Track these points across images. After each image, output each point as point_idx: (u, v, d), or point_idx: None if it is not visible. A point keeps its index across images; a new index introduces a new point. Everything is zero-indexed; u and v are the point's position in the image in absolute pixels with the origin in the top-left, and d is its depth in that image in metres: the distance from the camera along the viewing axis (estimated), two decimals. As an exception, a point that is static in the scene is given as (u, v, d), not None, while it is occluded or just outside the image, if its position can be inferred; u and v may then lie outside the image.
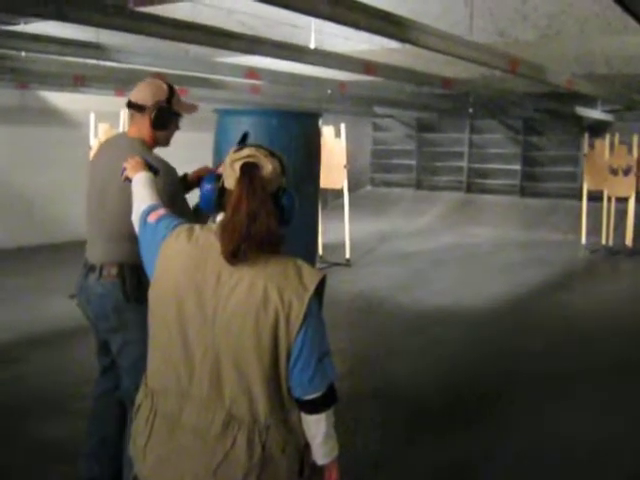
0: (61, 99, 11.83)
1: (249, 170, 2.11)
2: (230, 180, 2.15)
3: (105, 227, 3.26)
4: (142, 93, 3.30)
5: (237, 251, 2.05)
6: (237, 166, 2.13)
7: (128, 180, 2.71)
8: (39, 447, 4.29)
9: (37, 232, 11.33)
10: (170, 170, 3.19)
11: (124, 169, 2.79)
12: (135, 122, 3.34)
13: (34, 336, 6.53)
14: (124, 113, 8.26)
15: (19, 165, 11.11)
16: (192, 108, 3.51)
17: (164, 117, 3.32)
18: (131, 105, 3.32)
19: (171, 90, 3.36)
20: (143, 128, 3.30)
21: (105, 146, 3.49)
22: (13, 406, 4.91)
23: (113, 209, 3.16)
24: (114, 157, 3.12)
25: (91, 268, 3.32)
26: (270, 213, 2.09)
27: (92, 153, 8.50)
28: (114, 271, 3.24)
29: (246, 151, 2.16)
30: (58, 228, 11.49)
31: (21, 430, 4.51)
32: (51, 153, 11.43)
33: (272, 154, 2.18)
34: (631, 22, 4.66)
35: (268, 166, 2.13)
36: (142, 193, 2.54)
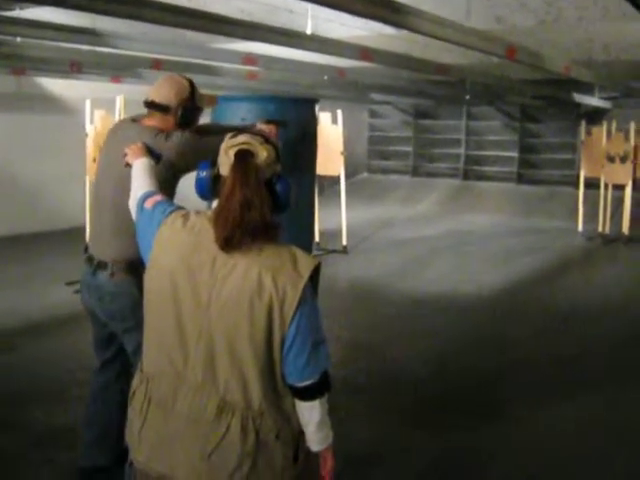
0: (57, 85, 11.77)
1: (243, 157, 2.10)
2: (225, 167, 2.15)
3: (118, 222, 3.16)
4: (165, 92, 3.26)
5: (231, 239, 2.06)
6: (231, 153, 2.13)
7: (129, 165, 2.72)
8: (38, 434, 4.30)
9: (34, 219, 11.31)
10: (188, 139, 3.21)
11: (125, 154, 2.80)
12: (154, 118, 3.29)
13: (33, 323, 6.54)
14: (120, 100, 8.23)
15: (15, 152, 11.07)
16: (213, 100, 3.49)
17: (189, 115, 3.31)
18: (154, 105, 3.27)
19: (192, 86, 3.34)
20: (165, 125, 3.26)
21: (118, 136, 3.34)
22: (12, 393, 4.92)
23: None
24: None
25: (100, 265, 3.26)
26: (264, 201, 2.09)
27: (89, 140, 8.50)
28: (126, 268, 3.19)
29: (241, 138, 2.16)
30: (55, 215, 11.47)
31: (20, 417, 4.53)
32: (47, 139, 11.38)
33: (267, 141, 2.18)
34: (629, 9, 4.66)
35: (263, 153, 2.13)
36: (140, 179, 2.55)
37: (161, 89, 3.29)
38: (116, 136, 3.36)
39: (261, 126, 3.53)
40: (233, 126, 3.48)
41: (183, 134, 3.22)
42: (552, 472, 4.08)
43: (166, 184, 2.94)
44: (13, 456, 4.04)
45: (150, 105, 3.29)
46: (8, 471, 3.91)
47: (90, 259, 3.34)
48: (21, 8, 5.82)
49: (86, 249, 3.44)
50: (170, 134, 3.19)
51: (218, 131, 3.39)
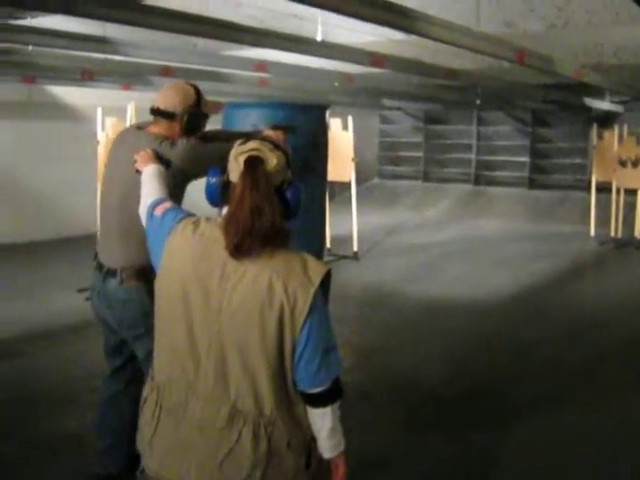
0: (68, 93, 11.83)
1: (253, 164, 2.10)
2: (234, 174, 2.14)
3: (125, 228, 3.17)
4: (170, 99, 3.26)
5: (241, 245, 2.05)
6: (241, 160, 2.12)
7: (138, 172, 2.72)
8: (49, 441, 4.31)
9: (46, 227, 11.36)
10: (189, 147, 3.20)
11: (135, 161, 2.80)
12: (159, 124, 3.29)
13: (43, 330, 6.55)
14: (131, 107, 8.26)
15: (27, 160, 11.12)
16: (218, 107, 3.49)
17: (195, 122, 3.31)
18: (159, 112, 3.27)
19: (198, 93, 3.34)
20: (171, 132, 3.25)
21: (123, 143, 3.35)
22: (22, 400, 4.94)
23: (136, 210, 2.95)
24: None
25: (109, 272, 3.26)
26: (274, 208, 2.08)
27: (100, 148, 8.53)
28: (136, 275, 3.19)
29: (250, 144, 2.15)
30: (67, 222, 11.52)
31: (30, 424, 4.53)
32: (59, 148, 11.44)
33: (277, 147, 2.17)
34: (639, 12, 4.63)
35: (272, 160, 2.12)
36: (150, 186, 2.55)
37: (166, 96, 3.29)
38: (121, 144, 3.37)
39: (268, 132, 3.52)
40: (240, 132, 3.48)
41: (188, 141, 3.21)
42: (556, 476, 4.06)
43: (174, 191, 2.94)
44: (23, 462, 4.05)
45: (156, 112, 3.29)
46: (18, 476, 3.91)
47: (100, 266, 3.34)
48: (32, 17, 5.85)
49: (96, 256, 3.45)
50: (175, 141, 3.18)
51: (225, 137, 3.39)
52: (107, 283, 3.28)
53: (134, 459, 3.18)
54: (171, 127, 3.26)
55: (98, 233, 3.43)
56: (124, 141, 3.36)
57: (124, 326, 3.31)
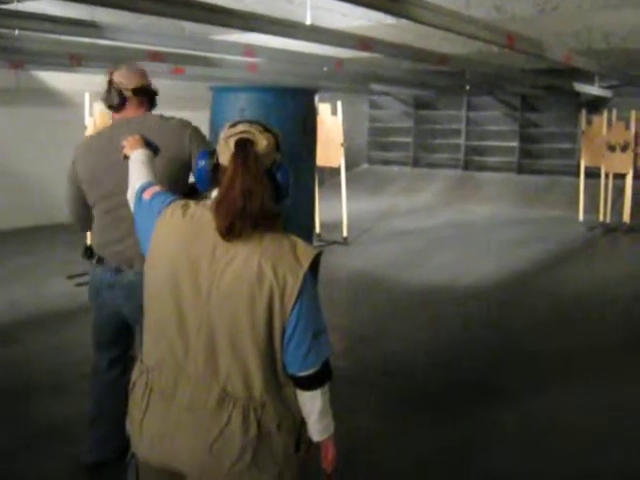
0: (56, 79, 11.76)
1: (243, 146, 2.08)
2: (224, 156, 2.13)
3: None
4: (143, 76, 3.36)
5: (231, 228, 2.04)
6: (231, 142, 2.11)
7: (126, 158, 2.70)
8: (42, 428, 4.29)
9: (34, 213, 11.30)
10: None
11: (123, 146, 2.78)
12: (143, 103, 3.35)
13: (34, 317, 6.54)
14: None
15: (14, 146, 11.06)
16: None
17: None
18: (147, 90, 3.35)
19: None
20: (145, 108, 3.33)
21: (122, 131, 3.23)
22: (14, 386, 4.92)
23: None
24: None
25: (126, 262, 3.23)
26: (265, 189, 2.07)
27: (88, 133, 8.47)
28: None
29: (240, 127, 2.14)
30: (56, 209, 11.44)
31: (22, 410, 4.53)
32: (46, 133, 11.37)
33: (267, 129, 2.16)
34: (629, -4, 4.64)
35: (263, 142, 2.11)
36: (138, 170, 2.52)
37: (140, 74, 3.36)
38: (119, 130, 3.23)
39: None
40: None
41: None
42: (547, 461, 4.09)
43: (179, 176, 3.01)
44: (15, 449, 4.04)
45: (145, 91, 3.32)
46: (10, 464, 3.90)
47: (101, 260, 3.31)
48: (19, 0, 5.80)
49: (90, 251, 3.40)
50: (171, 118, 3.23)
51: None
52: (124, 274, 3.26)
53: (127, 445, 3.19)
54: (144, 103, 3.32)
55: (96, 230, 3.36)
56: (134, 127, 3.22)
57: (139, 312, 3.30)
